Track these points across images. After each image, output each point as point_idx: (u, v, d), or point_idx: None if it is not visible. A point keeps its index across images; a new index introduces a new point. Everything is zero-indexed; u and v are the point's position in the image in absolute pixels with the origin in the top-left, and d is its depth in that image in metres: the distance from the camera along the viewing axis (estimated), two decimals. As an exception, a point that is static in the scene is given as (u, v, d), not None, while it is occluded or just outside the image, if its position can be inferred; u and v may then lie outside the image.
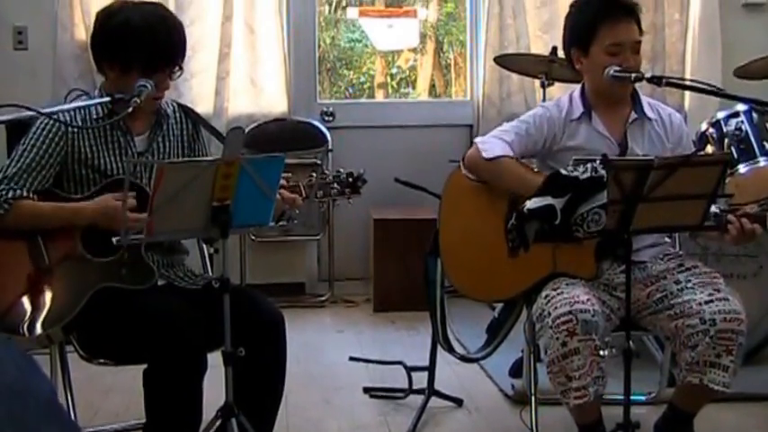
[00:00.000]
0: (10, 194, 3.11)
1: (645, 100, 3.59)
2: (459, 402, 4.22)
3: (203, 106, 5.95)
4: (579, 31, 3.53)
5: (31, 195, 3.14)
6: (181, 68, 3.29)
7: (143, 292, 3.13)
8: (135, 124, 3.28)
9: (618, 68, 3.40)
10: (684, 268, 3.42)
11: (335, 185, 3.33)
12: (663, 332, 3.37)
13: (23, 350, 2.13)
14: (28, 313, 3.07)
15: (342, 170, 3.36)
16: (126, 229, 2.83)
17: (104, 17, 3.25)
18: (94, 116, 3.24)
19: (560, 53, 4.96)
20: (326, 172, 3.37)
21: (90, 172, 3.20)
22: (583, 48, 3.51)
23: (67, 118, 3.19)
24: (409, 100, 7.26)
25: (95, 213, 3.09)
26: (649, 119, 3.54)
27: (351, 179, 3.34)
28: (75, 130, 3.19)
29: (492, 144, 3.48)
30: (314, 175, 3.26)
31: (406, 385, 4.28)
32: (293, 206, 3.17)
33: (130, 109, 3.04)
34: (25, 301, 3.09)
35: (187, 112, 3.45)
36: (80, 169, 3.20)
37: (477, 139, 3.57)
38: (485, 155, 3.45)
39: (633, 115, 3.53)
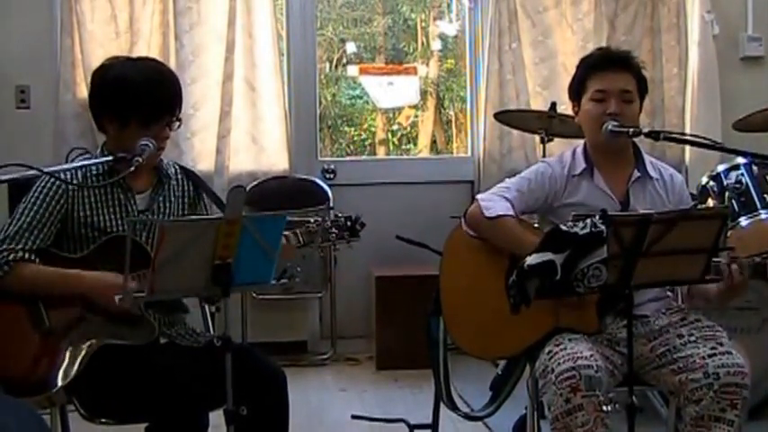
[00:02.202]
0: (11, 257, 3.11)
1: (647, 159, 3.60)
2: (462, 460, 4.19)
3: (204, 164, 5.99)
4: (575, 84, 3.62)
5: (32, 258, 3.14)
6: (179, 120, 3.31)
7: (145, 350, 3.11)
8: (136, 182, 3.29)
9: (615, 124, 3.43)
10: (687, 322, 3.41)
11: (334, 230, 3.33)
12: (667, 387, 3.36)
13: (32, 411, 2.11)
14: (30, 375, 3.05)
15: (340, 214, 3.37)
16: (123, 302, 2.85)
17: (100, 74, 3.29)
18: (94, 173, 3.25)
19: (559, 109, 5.01)
20: (325, 218, 3.37)
21: (90, 231, 3.20)
22: (577, 100, 3.60)
23: (68, 176, 3.20)
24: (410, 157, 7.30)
25: (93, 288, 3.10)
26: (651, 178, 3.55)
27: (349, 223, 3.35)
28: (76, 188, 3.20)
29: (494, 202, 3.49)
30: (311, 221, 3.26)
31: (409, 443, 4.26)
32: (287, 254, 3.17)
33: (133, 168, 3.06)
34: (27, 363, 3.07)
35: (189, 174, 3.47)
36: (79, 228, 3.20)
37: (479, 196, 3.57)
38: (486, 213, 3.46)
39: (636, 174, 3.54)
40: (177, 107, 3.28)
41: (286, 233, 3.17)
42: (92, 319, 3.12)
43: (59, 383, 3.04)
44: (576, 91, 3.60)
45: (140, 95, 3.18)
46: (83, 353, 3.07)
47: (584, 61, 3.65)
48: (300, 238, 3.23)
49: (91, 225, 3.20)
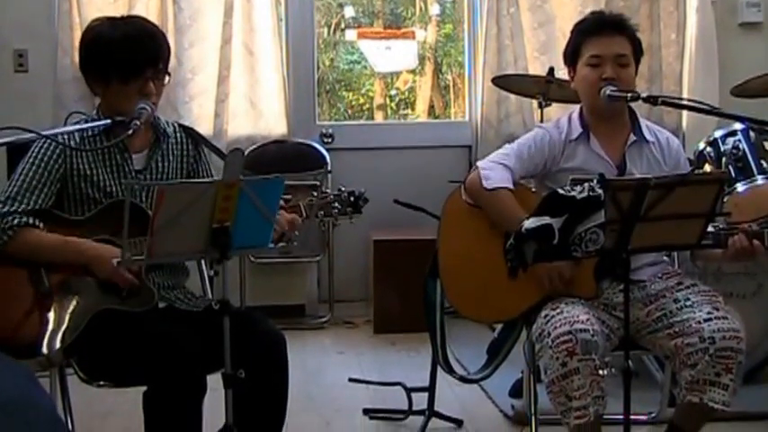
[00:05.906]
0: (15, 221, 3.12)
1: (643, 123, 3.61)
2: (459, 423, 4.21)
3: (203, 128, 5.96)
4: (569, 49, 3.62)
5: (36, 222, 3.14)
6: (168, 74, 3.30)
7: (144, 314, 3.12)
8: (133, 142, 3.26)
9: (613, 88, 3.44)
10: (683, 287, 3.43)
11: (336, 205, 3.32)
12: (662, 351, 3.37)
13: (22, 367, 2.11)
14: (29, 336, 3.07)
15: (343, 189, 3.36)
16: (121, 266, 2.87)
17: (84, 36, 3.32)
18: (91, 135, 3.25)
19: (557, 74, 5.00)
20: (327, 191, 3.36)
21: (90, 189, 3.20)
22: (573, 65, 3.61)
23: (66, 139, 3.20)
24: (408, 121, 7.29)
25: (92, 261, 3.11)
26: (647, 141, 3.56)
27: (352, 198, 3.34)
28: (73, 150, 3.20)
29: (494, 171, 3.49)
30: (314, 194, 3.25)
31: (406, 406, 4.28)
32: (292, 227, 3.17)
33: (131, 131, 3.06)
34: (26, 324, 3.08)
35: (189, 132, 3.45)
36: (79, 184, 3.20)
37: (480, 164, 3.57)
38: (485, 184, 3.46)
39: (632, 137, 3.54)
40: (159, 61, 3.25)
41: (290, 213, 3.18)
42: (91, 284, 3.13)
43: (57, 345, 3.05)
44: (570, 56, 3.61)
45: (115, 51, 3.18)
46: (81, 315, 3.08)
47: (577, 26, 3.65)
48: (304, 212, 3.23)
49: (90, 182, 3.20)
